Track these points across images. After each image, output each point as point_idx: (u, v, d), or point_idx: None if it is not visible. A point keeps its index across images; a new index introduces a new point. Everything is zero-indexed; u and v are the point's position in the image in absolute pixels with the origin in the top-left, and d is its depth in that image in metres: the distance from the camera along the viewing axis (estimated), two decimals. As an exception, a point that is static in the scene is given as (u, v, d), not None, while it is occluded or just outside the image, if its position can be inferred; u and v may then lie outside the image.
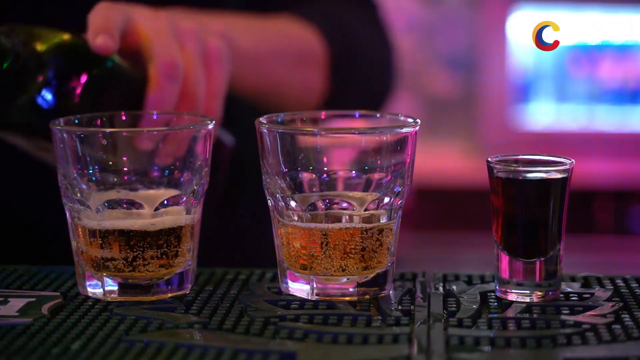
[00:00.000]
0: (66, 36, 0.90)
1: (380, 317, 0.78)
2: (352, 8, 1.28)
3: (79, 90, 0.89)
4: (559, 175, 0.81)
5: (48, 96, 0.88)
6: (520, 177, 0.81)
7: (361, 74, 1.25)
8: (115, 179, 0.81)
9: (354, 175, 0.80)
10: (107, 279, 0.82)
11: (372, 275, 0.82)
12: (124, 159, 0.81)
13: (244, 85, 1.10)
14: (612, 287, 0.84)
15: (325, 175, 0.80)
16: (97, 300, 0.82)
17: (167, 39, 0.93)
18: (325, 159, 0.80)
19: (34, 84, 0.88)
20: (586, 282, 0.86)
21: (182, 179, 0.82)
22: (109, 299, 0.82)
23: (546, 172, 0.81)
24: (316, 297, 0.81)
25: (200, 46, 0.95)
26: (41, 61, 0.88)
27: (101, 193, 0.81)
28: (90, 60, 0.90)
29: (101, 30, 0.89)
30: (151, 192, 0.81)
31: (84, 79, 0.89)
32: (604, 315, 0.78)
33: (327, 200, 0.81)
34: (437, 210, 3.09)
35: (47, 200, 1.01)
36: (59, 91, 0.88)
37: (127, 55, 0.93)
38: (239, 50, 1.06)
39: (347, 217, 0.81)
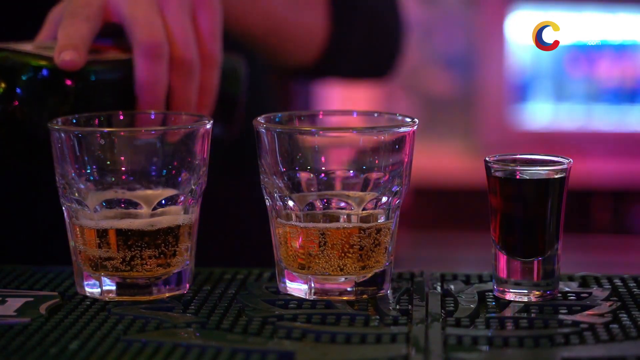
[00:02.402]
0: (34, 62, 0.88)
1: (378, 317, 0.78)
2: None
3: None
4: (556, 175, 0.81)
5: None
6: (518, 177, 0.81)
7: (364, 17, 1.24)
8: (113, 179, 0.81)
9: (351, 174, 0.80)
10: (105, 279, 0.82)
11: (370, 274, 0.82)
12: (122, 158, 0.81)
13: (243, 25, 1.09)
14: (610, 286, 0.84)
15: (323, 174, 0.80)
16: (94, 300, 0.82)
17: (144, 12, 0.91)
18: (323, 159, 0.80)
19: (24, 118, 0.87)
20: (584, 282, 0.86)
21: (179, 179, 0.82)
22: (106, 299, 0.82)
23: (544, 171, 0.81)
24: (314, 296, 0.81)
25: None
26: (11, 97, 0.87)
27: (99, 193, 0.81)
28: (64, 81, 0.88)
29: (66, 46, 0.87)
30: (149, 191, 0.81)
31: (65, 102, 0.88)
32: (601, 315, 0.77)
33: (325, 200, 0.81)
34: (435, 209, 3.09)
35: (45, 200, 1.01)
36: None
37: (119, 43, 0.93)
38: None
39: (345, 216, 0.81)
